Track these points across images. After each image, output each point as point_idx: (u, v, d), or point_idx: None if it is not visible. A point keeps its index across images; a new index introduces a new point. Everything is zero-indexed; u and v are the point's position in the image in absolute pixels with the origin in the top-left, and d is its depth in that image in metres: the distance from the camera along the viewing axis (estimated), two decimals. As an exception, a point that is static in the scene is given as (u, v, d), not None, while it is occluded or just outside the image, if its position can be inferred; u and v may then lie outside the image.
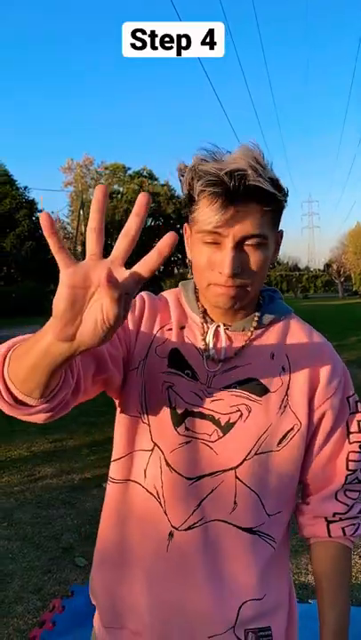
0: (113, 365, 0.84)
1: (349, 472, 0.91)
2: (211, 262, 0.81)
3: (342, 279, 47.04)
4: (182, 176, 0.85)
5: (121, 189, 39.68)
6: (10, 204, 33.71)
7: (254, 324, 0.90)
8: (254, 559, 0.86)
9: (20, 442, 4.99)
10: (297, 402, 0.87)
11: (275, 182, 0.79)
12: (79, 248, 38.89)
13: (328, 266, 59.52)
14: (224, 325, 0.89)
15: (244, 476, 0.84)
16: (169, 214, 38.69)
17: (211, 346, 0.88)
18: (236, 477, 0.84)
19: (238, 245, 0.79)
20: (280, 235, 0.89)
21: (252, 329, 0.89)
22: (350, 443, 0.91)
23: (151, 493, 0.87)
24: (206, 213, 0.79)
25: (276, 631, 0.88)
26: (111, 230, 37.75)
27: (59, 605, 2.37)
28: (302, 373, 0.88)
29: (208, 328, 0.90)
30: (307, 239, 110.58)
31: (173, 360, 0.89)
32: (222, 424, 0.85)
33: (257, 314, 0.91)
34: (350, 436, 0.91)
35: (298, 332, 0.93)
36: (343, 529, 0.91)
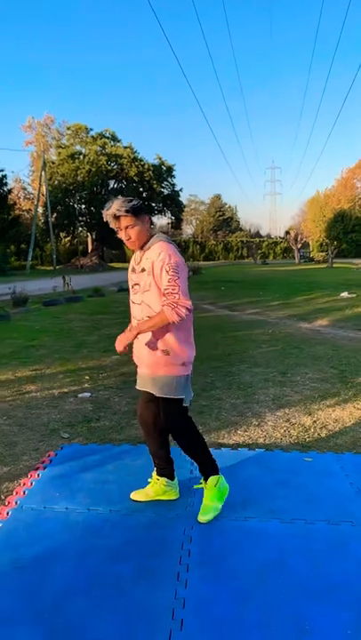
0: None
1: (165, 287, 2.35)
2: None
3: (299, 246, 48.62)
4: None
5: (83, 150, 39.32)
6: (-31, 161, 32.98)
7: (144, 249, 2.45)
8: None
9: (6, 370, 5.99)
10: (153, 271, 2.41)
11: (128, 208, 2.41)
12: (40, 209, 38.57)
13: (287, 233, 61.00)
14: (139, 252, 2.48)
15: (142, 301, 2.39)
16: (132, 177, 38.79)
17: (137, 260, 2.50)
18: (142, 302, 2.33)
19: (124, 229, 2.43)
20: (145, 219, 2.52)
21: (143, 251, 2.48)
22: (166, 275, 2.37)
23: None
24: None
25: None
26: (73, 191, 37.65)
27: (52, 454, 3.48)
28: (153, 261, 2.41)
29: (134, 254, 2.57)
30: (269, 206, 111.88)
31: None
32: (140, 285, 2.37)
33: (145, 246, 2.45)
34: (164, 274, 2.37)
35: (155, 245, 2.47)
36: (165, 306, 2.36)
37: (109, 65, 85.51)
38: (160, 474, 2.83)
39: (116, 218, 2.44)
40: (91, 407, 4.62)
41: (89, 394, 5.03)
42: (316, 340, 8.12)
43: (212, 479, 2.70)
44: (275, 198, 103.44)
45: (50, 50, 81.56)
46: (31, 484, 3.02)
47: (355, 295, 14.71)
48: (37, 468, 3.24)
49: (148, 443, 2.84)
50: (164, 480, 2.82)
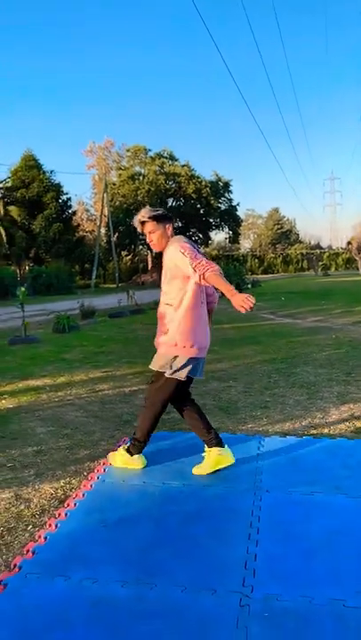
0: None
1: (190, 264, 2.74)
2: None
3: (362, 256, 47.24)
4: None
5: (142, 171, 40.69)
6: (38, 187, 35.18)
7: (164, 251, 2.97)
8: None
9: (80, 372, 6.43)
10: (169, 264, 2.90)
11: (151, 215, 2.92)
12: (102, 229, 40.18)
13: (349, 243, 59.43)
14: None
15: (164, 291, 3.01)
16: (190, 194, 39.58)
17: None
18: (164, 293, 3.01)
19: (148, 234, 2.97)
20: (167, 226, 2.99)
21: (164, 253, 2.98)
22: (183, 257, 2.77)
23: None
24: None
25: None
26: (134, 211, 38.97)
27: (127, 438, 3.77)
28: (169, 256, 2.90)
29: None
30: (329, 217, 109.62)
31: None
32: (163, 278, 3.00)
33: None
34: (181, 257, 2.80)
35: (170, 245, 2.94)
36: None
37: (163, 83, 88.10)
38: (209, 445, 3.07)
39: (142, 223, 2.99)
40: (160, 403, 4.89)
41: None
42: (382, 344, 7.99)
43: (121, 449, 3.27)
44: (335, 209, 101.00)
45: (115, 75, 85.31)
46: (110, 463, 3.31)
47: None
48: (115, 450, 3.53)
49: (186, 419, 3.27)
50: (215, 449, 3.04)
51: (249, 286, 29.79)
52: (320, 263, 60.27)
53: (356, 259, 46.43)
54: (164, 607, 1.85)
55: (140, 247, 43.59)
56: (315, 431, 3.92)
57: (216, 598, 1.90)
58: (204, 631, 1.73)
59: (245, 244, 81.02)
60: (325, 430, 3.93)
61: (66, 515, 2.60)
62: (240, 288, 26.43)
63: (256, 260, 65.48)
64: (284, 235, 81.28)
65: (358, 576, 2.01)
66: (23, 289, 9.82)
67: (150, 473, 3.12)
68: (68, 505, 2.72)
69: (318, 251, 73.29)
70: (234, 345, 8.32)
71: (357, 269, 47.46)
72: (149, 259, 42.56)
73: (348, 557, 2.15)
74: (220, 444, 3.10)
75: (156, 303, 14.05)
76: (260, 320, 12.56)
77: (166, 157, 40.82)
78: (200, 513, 2.58)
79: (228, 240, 48.86)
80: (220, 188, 41.92)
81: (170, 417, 4.41)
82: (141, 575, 2.06)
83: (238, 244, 58.53)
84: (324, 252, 71.73)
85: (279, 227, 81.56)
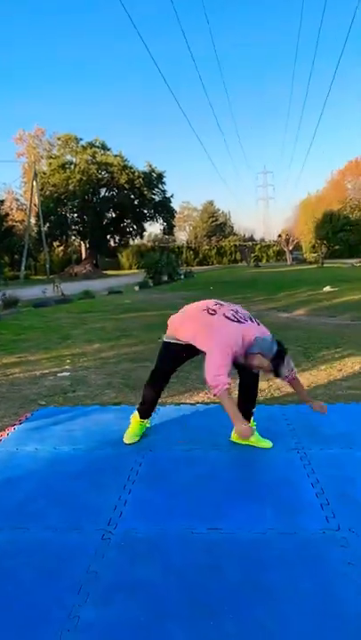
0: None
1: None
2: None
3: (291, 248, 49.27)
4: None
5: (74, 160, 39.94)
6: None
7: None
8: None
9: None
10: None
11: None
12: (33, 219, 39.11)
13: (279, 236, 61.63)
14: None
15: None
16: (122, 184, 39.39)
17: None
18: None
19: None
20: None
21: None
22: None
23: None
24: None
25: None
26: (65, 200, 38.25)
27: (29, 414, 3.90)
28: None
29: None
30: (262, 210, 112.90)
31: None
32: None
33: None
34: None
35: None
36: None
37: (97, 72, 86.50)
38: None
39: None
40: (69, 382, 5.05)
41: (68, 373, 5.45)
42: (292, 326, 8.56)
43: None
44: (267, 202, 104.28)
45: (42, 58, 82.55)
46: (7, 434, 3.44)
47: (337, 289, 15.17)
48: (14, 425, 3.66)
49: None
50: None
51: (182, 277, 30.28)
52: (252, 255, 62.07)
53: (286, 250, 48.33)
54: (31, 545, 2.05)
55: (73, 238, 42.86)
56: (208, 400, 4.24)
57: (81, 535, 2.12)
58: (64, 560, 1.94)
59: (181, 236, 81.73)
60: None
61: None
62: (173, 278, 26.79)
63: (191, 252, 66.28)
64: (218, 227, 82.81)
65: (211, 508, 2.31)
66: None
67: (44, 440, 3.29)
68: None
69: (251, 243, 75.38)
70: (154, 329, 8.56)
71: (286, 261, 49.45)
72: (83, 249, 41.96)
73: (207, 495, 2.44)
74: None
75: (86, 293, 14.00)
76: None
77: (98, 147, 40.33)
78: (83, 471, 2.79)
79: (162, 231, 49.11)
80: (154, 179, 42.04)
81: (76, 395, 4.59)
82: (17, 523, 2.24)
83: (173, 235, 58.97)
84: (257, 245, 73.88)
85: (214, 219, 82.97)
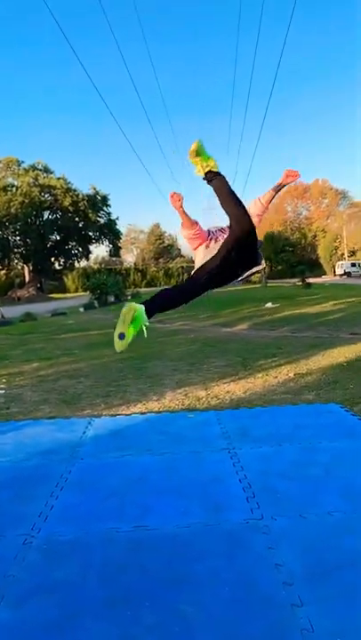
0: None
1: None
2: None
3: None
4: None
5: (15, 183, 39.34)
6: None
7: None
8: None
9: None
10: None
11: None
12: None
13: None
14: None
15: None
16: (66, 207, 39.13)
17: None
18: None
19: None
20: None
21: None
22: None
23: None
24: None
25: None
26: (7, 223, 37.45)
27: None
28: None
29: None
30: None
31: None
32: None
33: None
34: None
35: None
36: None
37: (39, 101, 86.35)
38: None
39: None
40: (2, 400, 4.89)
41: (3, 391, 5.29)
42: (233, 339, 8.74)
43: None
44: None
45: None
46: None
47: (278, 305, 15.65)
48: None
49: None
50: None
51: (129, 298, 30.31)
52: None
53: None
54: None
55: (15, 261, 41.91)
56: (145, 410, 4.24)
57: (3, 540, 2.05)
58: (-19, 568, 1.87)
59: (129, 258, 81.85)
60: (156, 408, 4.27)
61: None
62: (120, 299, 26.75)
63: (139, 274, 66.46)
64: (166, 249, 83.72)
65: (138, 509, 2.31)
66: None
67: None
68: None
69: (198, 264, 76.41)
70: (95, 348, 8.48)
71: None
72: (26, 273, 41.10)
73: (135, 496, 2.43)
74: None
75: (28, 315, 13.67)
76: (130, 326, 12.90)
77: (41, 169, 39.97)
78: (9, 482, 2.71)
79: (108, 253, 49.00)
80: (99, 201, 42.04)
81: (9, 411, 4.46)
82: None
83: (120, 257, 58.94)
84: (203, 266, 74.94)
85: (161, 241, 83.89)
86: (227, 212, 2.28)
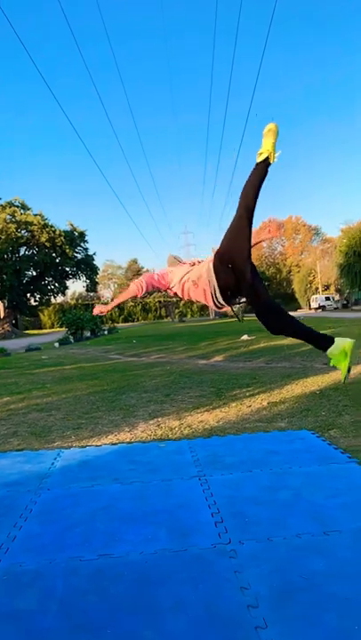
0: None
1: None
2: None
3: (213, 302, 50.97)
4: None
5: (-8, 219, 39.40)
6: None
7: None
8: None
9: None
10: None
11: None
12: None
13: (202, 292, 63.54)
14: None
15: None
16: (43, 243, 39.25)
17: None
18: None
19: None
20: None
21: None
22: None
23: None
24: None
25: None
26: (-17, 259, 37.25)
27: None
28: None
29: None
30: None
31: None
32: None
33: None
34: None
35: None
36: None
37: (18, 141, 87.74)
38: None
39: None
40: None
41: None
42: (208, 370, 8.75)
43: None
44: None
45: None
46: None
47: (254, 337, 15.80)
48: None
49: None
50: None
51: (105, 333, 30.14)
52: (177, 310, 63.41)
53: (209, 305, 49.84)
54: None
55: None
56: (116, 441, 4.18)
57: None
58: None
59: (106, 294, 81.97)
60: (127, 439, 4.22)
61: None
62: (96, 334, 26.62)
63: (116, 309, 66.43)
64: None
65: (104, 537, 2.25)
66: None
67: None
68: None
69: (175, 299, 77.15)
70: (68, 381, 8.39)
71: (210, 315, 50.97)
72: (1, 309, 40.66)
73: (102, 525, 2.38)
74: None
75: (1, 351, 13.51)
76: (106, 360, 12.82)
77: (18, 206, 40.21)
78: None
79: (85, 289, 49.00)
80: (76, 237, 42.33)
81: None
82: None
83: (97, 292, 59.00)
84: (181, 300, 75.66)
85: (138, 277, 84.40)
86: (240, 197, 2.35)
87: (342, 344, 2.50)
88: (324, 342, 2.55)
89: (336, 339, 2.54)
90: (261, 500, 2.63)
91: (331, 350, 2.51)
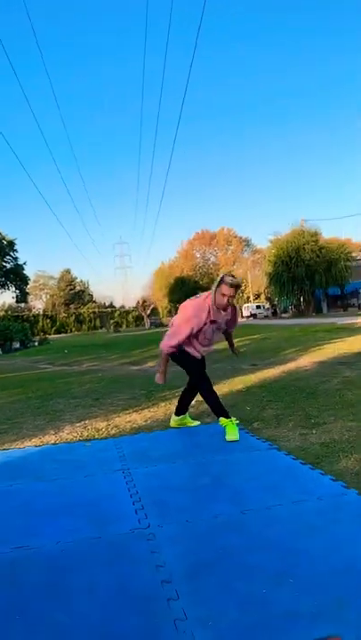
0: None
1: None
2: None
3: (148, 312, 51.13)
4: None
5: None
6: None
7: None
8: None
9: None
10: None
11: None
12: None
13: (138, 302, 63.74)
14: None
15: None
16: None
17: (220, 314, 3.87)
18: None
19: (232, 297, 3.71)
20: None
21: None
22: None
23: None
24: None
25: None
26: None
27: None
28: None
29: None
30: (121, 279, 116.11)
31: None
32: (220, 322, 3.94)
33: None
34: None
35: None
36: None
37: None
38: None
39: (238, 287, 3.70)
40: None
41: None
42: (140, 376, 8.76)
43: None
44: (125, 271, 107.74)
45: None
46: None
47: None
48: None
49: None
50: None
51: (36, 344, 29.28)
52: (112, 321, 62.87)
53: (143, 315, 49.97)
54: None
55: None
56: (41, 443, 4.07)
57: None
58: None
59: (38, 305, 79.65)
60: (52, 442, 4.12)
61: None
62: (26, 345, 25.81)
63: (48, 320, 64.76)
64: (77, 295, 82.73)
65: (20, 530, 2.19)
66: None
67: None
68: None
69: (111, 310, 76.50)
70: (-6, 391, 8.06)
71: (145, 325, 50.99)
72: None
73: (18, 520, 2.31)
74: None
75: None
76: (35, 369, 12.46)
77: None
78: None
79: (15, 299, 47.38)
80: (5, 246, 40.95)
81: None
82: None
83: (28, 303, 57.20)
84: (116, 311, 75.21)
85: (72, 287, 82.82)
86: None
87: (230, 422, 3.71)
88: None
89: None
90: (183, 488, 2.68)
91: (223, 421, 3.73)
